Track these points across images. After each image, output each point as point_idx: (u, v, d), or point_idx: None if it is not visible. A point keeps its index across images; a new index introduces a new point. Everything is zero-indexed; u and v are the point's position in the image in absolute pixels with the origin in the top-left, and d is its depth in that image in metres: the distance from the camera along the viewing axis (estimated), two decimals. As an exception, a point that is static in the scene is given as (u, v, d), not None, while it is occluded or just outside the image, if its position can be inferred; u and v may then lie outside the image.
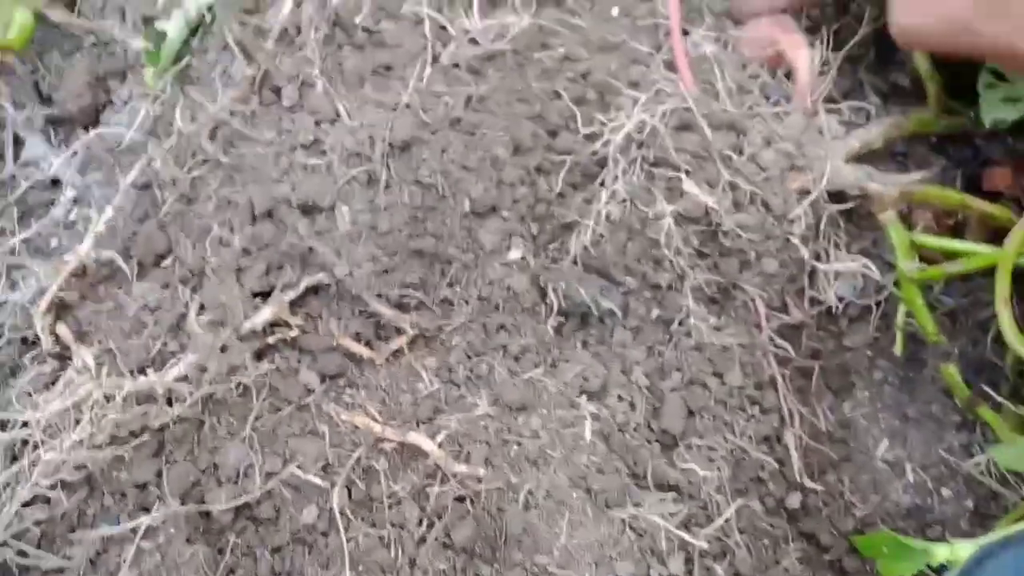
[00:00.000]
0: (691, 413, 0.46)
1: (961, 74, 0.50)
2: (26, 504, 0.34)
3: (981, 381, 0.52)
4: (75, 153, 0.41)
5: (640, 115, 0.45)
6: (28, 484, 0.33)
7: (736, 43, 0.51)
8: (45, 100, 0.43)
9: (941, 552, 0.48)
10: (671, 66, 0.49)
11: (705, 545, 0.44)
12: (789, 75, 0.49)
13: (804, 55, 0.48)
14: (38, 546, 0.35)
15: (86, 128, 0.42)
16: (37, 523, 0.35)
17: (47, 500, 0.35)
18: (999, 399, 0.52)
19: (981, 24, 0.38)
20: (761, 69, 0.50)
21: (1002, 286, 0.45)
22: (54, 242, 0.40)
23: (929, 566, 0.48)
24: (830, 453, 0.52)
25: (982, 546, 0.47)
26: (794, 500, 0.50)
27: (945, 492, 0.54)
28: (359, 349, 0.41)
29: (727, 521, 0.45)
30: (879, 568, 0.49)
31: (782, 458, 0.49)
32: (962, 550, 0.47)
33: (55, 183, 0.41)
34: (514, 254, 0.44)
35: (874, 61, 0.55)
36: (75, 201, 0.40)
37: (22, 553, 0.34)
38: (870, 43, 0.54)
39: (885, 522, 0.52)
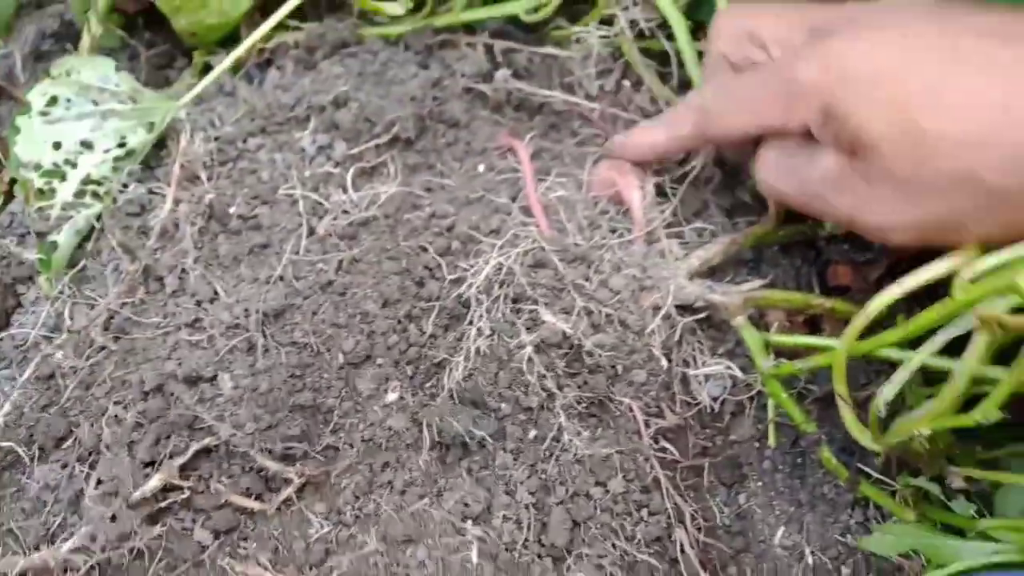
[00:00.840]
0: (576, 524, 0.49)
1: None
2: None
3: (856, 461, 0.56)
4: (-15, 354, 0.46)
5: (498, 258, 0.51)
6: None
7: (587, 184, 0.58)
8: (-39, 312, 0.49)
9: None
10: (528, 212, 0.56)
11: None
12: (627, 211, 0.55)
13: (636, 195, 0.54)
14: None
15: (-2, 330, 0.47)
16: None
17: None
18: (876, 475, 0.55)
19: (830, 196, 0.44)
20: (610, 205, 0.57)
21: (839, 385, 0.49)
22: (-36, 436, 0.44)
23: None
24: (728, 547, 0.55)
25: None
26: (694, 598, 0.52)
27: (845, 571, 0.56)
28: (249, 503, 0.45)
29: (625, 628, 0.48)
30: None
31: (676, 557, 0.52)
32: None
33: (-33, 384, 0.46)
34: (391, 396, 0.49)
35: (720, 183, 0.62)
36: (-15, 398, 0.45)
37: None
38: (715, 166, 0.61)
39: (790, 609, 0.54)
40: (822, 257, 0.61)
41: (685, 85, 0.63)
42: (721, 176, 0.62)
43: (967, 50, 0.39)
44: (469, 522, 0.47)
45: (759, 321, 0.57)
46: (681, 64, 0.62)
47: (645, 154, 0.55)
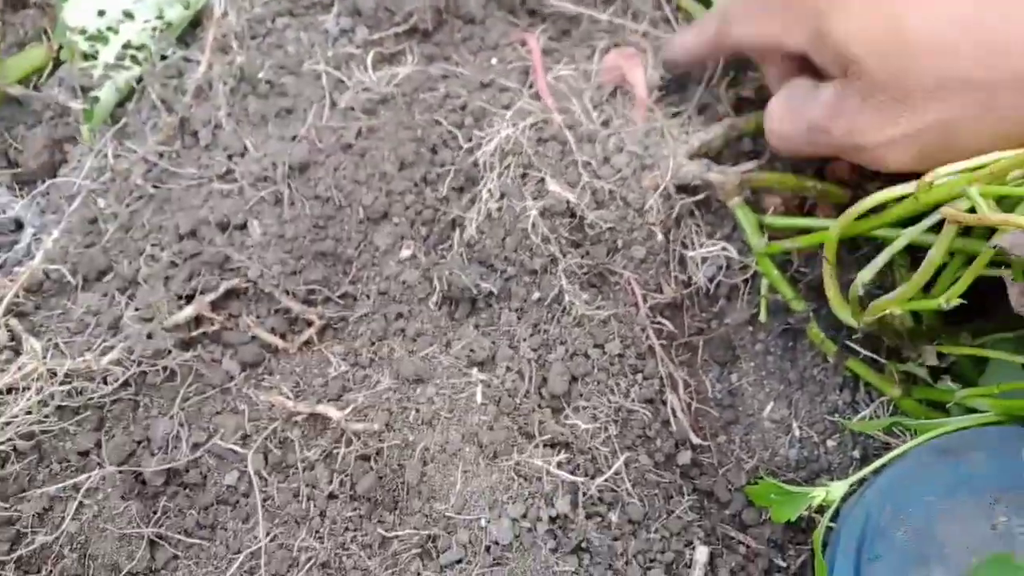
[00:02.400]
0: (575, 379, 0.53)
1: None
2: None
3: (845, 339, 0.58)
4: (35, 200, 0.50)
5: (508, 129, 0.54)
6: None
7: (595, 73, 0.61)
8: (12, 164, 0.53)
9: (818, 494, 0.53)
10: (536, 96, 0.59)
11: (594, 491, 0.49)
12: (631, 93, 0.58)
13: (639, 75, 0.57)
14: (-8, 502, 0.42)
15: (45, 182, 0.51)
16: (-8, 482, 0.42)
17: (1, 464, 0.42)
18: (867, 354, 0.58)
19: (829, 124, 0.46)
20: (615, 95, 0.60)
21: (828, 266, 0.52)
22: (18, 270, 0.48)
23: (822, 508, 0.53)
24: (718, 417, 0.58)
25: (851, 484, 0.53)
26: (684, 457, 0.55)
27: (830, 443, 0.59)
28: (274, 340, 0.48)
29: (617, 473, 0.51)
30: (772, 515, 0.54)
31: (668, 419, 0.55)
32: (836, 490, 0.53)
33: (19, 226, 0.50)
34: (405, 253, 0.52)
35: (727, 81, 0.64)
36: (35, 236, 0.49)
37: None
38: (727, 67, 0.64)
39: (776, 474, 0.57)
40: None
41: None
42: (728, 76, 0.64)
43: None
44: (475, 368, 0.51)
45: (756, 208, 0.60)
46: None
47: (678, 55, 0.57)
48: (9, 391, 0.42)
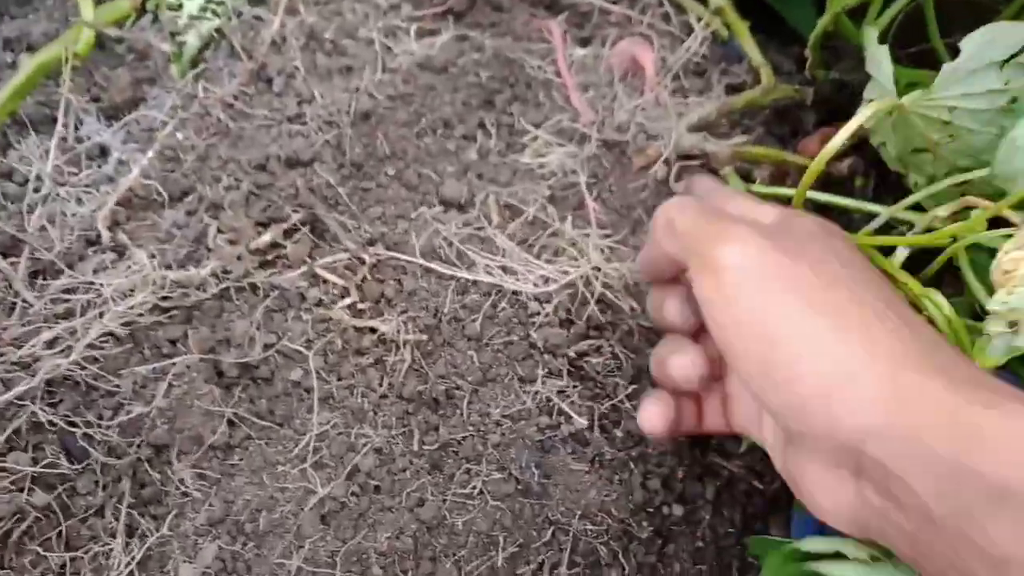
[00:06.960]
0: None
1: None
2: (88, 346, 0.47)
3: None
4: (119, 129, 0.56)
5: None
6: (91, 333, 0.46)
7: (608, 58, 0.69)
8: (95, 100, 0.59)
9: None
10: (557, 73, 0.67)
11: (605, 410, 0.57)
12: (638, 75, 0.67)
13: (649, 57, 0.66)
14: (95, 378, 0.47)
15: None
16: (94, 360, 0.47)
17: (103, 346, 0.48)
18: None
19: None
20: (627, 75, 0.68)
21: None
22: (104, 188, 0.54)
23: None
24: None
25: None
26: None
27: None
28: (331, 277, 0.55)
29: (621, 401, 0.58)
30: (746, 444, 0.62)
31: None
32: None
33: (103, 152, 0.56)
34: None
35: (721, 70, 0.73)
36: (119, 161, 0.55)
37: (90, 375, 0.46)
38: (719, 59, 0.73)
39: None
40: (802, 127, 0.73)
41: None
42: (724, 63, 0.73)
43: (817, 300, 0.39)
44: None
45: (746, 177, 0.68)
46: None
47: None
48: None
